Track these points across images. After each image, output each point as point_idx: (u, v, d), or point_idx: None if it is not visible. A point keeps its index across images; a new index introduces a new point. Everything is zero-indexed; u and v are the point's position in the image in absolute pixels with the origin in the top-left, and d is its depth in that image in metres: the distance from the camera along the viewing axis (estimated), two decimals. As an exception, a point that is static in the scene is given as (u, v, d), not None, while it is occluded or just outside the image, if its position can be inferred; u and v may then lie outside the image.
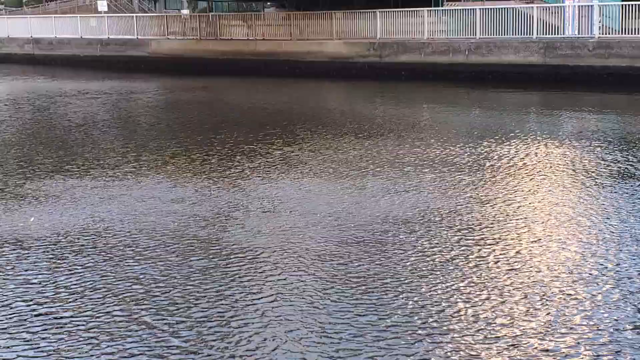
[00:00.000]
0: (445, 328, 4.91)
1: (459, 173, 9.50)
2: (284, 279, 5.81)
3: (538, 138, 12.15)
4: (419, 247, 6.55)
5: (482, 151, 10.98)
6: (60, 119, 15.64)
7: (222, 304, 5.36)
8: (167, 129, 14.24)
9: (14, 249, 6.65)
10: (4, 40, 35.34)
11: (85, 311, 5.27)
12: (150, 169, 10.12)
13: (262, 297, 5.45)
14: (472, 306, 5.26)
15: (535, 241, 6.71)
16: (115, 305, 5.36)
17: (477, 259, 6.24)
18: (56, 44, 32.95)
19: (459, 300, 5.37)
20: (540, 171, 9.58)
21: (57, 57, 32.34)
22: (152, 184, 9.18)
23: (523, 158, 10.45)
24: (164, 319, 5.11)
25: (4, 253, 6.56)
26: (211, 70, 26.44)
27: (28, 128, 14.57)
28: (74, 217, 7.63)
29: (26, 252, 6.58)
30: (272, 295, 5.49)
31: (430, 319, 5.05)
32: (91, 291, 5.63)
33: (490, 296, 5.43)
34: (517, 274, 5.87)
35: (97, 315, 5.18)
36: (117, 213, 7.77)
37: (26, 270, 6.12)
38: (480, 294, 5.48)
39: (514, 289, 5.56)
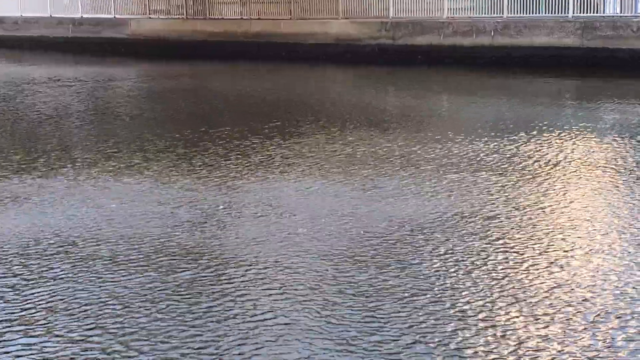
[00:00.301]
0: (471, 351, 4.88)
1: (485, 172, 9.48)
2: (282, 297, 5.79)
3: (575, 132, 12.12)
4: (441, 258, 6.52)
5: (511, 147, 10.95)
6: (28, 110, 15.64)
7: (210, 322, 5.34)
8: (149, 121, 14.24)
9: (-26, 260, 6.65)
10: (-38, 19, 35.45)
11: (55, 332, 5.26)
12: (130, 167, 10.11)
13: (255, 319, 5.42)
14: (502, 325, 5.24)
15: (574, 250, 6.68)
16: (92, 324, 5.34)
17: (509, 272, 6.22)
18: (22, 23, 32.99)
19: (488, 323, 5.33)
20: (578, 171, 9.54)
21: (23, 39, 32.37)
22: (133, 183, 9.17)
23: (558, 155, 10.42)
24: (143, 340, 5.10)
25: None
26: (199, 54, 26.45)
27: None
28: (44, 222, 7.62)
29: (-12, 263, 6.58)
30: (267, 318, 5.44)
31: (459, 341, 5.02)
32: (64, 310, 5.61)
33: (524, 314, 5.41)
34: (557, 290, 5.83)
35: (70, 337, 5.17)
36: (93, 218, 7.76)
37: (-12, 284, 6.12)
38: (513, 312, 5.45)
39: (551, 307, 5.53)
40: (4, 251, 6.85)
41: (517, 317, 5.38)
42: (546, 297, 5.71)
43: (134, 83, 20.63)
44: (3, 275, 6.30)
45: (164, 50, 27.65)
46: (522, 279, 6.07)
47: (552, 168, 9.71)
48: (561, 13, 21.37)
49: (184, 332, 5.19)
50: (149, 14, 29.66)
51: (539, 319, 5.34)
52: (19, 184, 9.23)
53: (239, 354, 4.89)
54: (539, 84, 18.96)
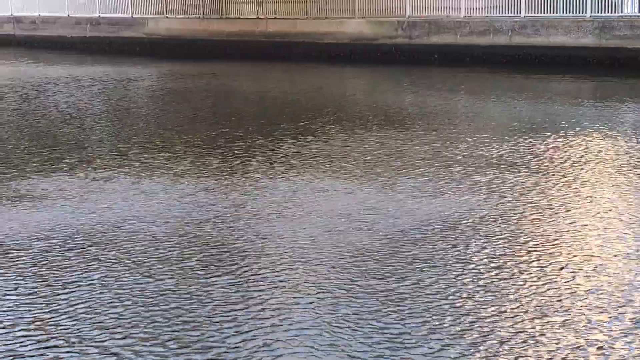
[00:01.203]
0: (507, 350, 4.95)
1: (507, 172, 9.51)
2: (299, 298, 5.86)
3: (594, 133, 12.14)
4: (466, 261, 6.58)
5: (533, 146, 10.98)
6: (49, 110, 15.79)
7: (226, 327, 5.42)
8: (169, 121, 14.35)
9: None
10: (-19, 19, 35.72)
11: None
12: (153, 166, 10.22)
13: (269, 323, 5.48)
14: (539, 337, 5.29)
15: (608, 252, 6.73)
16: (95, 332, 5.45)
17: (540, 278, 6.27)
18: (40, 23, 33.22)
19: (523, 333, 5.36)
20: (603, 171, 9.56)
21: (41, 39, 32.62)
22: (155, 182, 9.28)
23: (580, 155, 10.43)
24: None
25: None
26: (216, 54, 26.58)
27: (13, 121, 14.73)
28: (72, 220, 7.74)
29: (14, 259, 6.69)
30: (282, 323, 5.51)
31: (496, 350, 5.08)
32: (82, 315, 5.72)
33: (564, 325, 5.45)
34: (596, 299, 5.87)
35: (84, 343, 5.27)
36: (119, 216, 7.86)
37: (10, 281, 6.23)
38: (549, 327, 5.50)
39: (588, 310, 5.57)
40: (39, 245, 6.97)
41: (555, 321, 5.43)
42: (583, 300, 5.75)
43: (152, 83, 20.75)
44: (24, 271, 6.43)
45: (180, 50, 27.80)
46: (557, 281, 6.11)
47: (575, 168, 9.73)
48: (579, 13, 21.34)
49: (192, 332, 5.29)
50: (166, 14, 29.81)
51: (575, 323, 5.38)
52: (43, 182, 9.35)
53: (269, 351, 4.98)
54: (556, 84, 18.95)
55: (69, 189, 9.13)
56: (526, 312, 5.51)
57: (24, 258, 6.79)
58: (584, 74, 19.64)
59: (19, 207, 8.35)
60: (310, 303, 5.70)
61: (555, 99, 16.18)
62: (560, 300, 5.70)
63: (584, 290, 5.88)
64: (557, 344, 5.03)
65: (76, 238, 7.29)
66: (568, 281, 6.08)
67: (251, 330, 5.29)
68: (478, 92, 17.88)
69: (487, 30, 22.53)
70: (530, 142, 11.41)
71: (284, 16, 26.96)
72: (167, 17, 29.74)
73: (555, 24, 21.54)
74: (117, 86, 19.83)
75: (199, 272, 6.38)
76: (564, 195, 8.53)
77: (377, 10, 25.12)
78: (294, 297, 5.81)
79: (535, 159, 10.28)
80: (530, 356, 4.88)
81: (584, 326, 5.28)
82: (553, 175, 9.43)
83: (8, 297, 5.96)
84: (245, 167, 10.14)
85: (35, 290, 6.08)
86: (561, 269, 6.33)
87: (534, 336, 5.14)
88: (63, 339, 5.21)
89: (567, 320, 5.38)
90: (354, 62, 23.89)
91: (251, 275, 6.30)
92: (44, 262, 6.67)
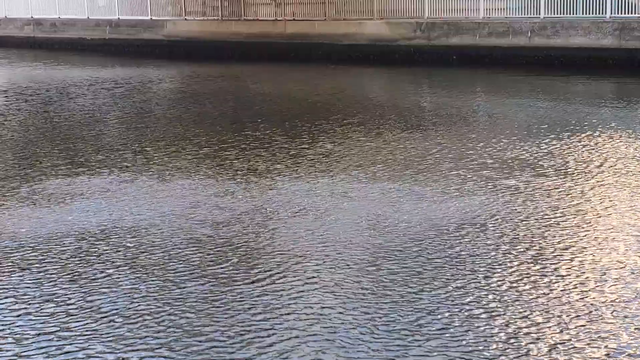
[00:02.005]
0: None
1: (528, 174, 9.56)
2: (334, 296, 5.94)
3: (615, 134, 12.15)
4: (494, 262, 6.64)
5: (554, 148, 11.02)
6: (72, 113, 15.96)
7: (246, 337, 5.51)
8: (190, 123, 14.47)
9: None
10: (1, 21, 36.06)
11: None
12: (176, 167, 10.34)
13: (297, 325, 5.58)
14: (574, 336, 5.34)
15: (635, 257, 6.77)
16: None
17: (578, 279, 6.33)
18: (60, 25, 33.54)
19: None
20: (629, 173, 9.60)
21: (61, 41, 32.94)
22: (175, 185, 9.40)
23: (603, 157, 10.45)
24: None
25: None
26: (234, 55, 26.75)
27: (36, 123, 14.90)
28: (89, 221, 7.87)
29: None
30: (308, 327, 5.60)
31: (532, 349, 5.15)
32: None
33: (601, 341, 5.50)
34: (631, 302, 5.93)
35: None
36: (143, 215, 7.98)
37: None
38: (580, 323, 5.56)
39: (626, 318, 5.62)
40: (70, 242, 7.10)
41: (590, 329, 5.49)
42: (616, 306, 5.81)
43: (173, 84, 20.91)
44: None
45: (199, 52, 27.98)
46: (594, 287, 6.16)
47: (598, 170, 9.75)
48: (598, 13, 21.31)
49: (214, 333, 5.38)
50: (185, 16, 30.00)
51: (612, 333, 5.43)
52: (66, 183, 9.48)
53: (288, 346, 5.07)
54: (576, 85, 18.95)
55: (92, 190, 9.26)
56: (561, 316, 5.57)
57: (48, 258, 6.92)
58: (603, 75, 19.62)
59: (42, 207, 8.49)
60: (340, 305, 5.78)
61: (576, 100, 16.19)
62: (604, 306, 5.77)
63: (620, 296, 5.94)
64: (598, 348, 5.09)
65: (91, 239, 7.41)
66: (605, 288, 6.14)
67: (273, 335, 5.37)
68: (498, 93, 17.91)
69: (507, 32, 22.54)
70: (553, 143, 11.43)
71: (302, 17, 27.09)
72: (185, 19, 29.93)
73: (575, 25, 21.52)
74: (138, 88, 20.01)
75: (222, 275, 6.47)
76: (589, 197, 8.57)
77: (395, 11, 25.19)
78: (320, 300, 5.89)
79: (559, 161, 10.31)
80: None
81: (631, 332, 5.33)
82: (579, 177, 9.46)
83: (32, 296, 6.09)
84: (267, 166, 10.24)
85: (56, 291, 6.20)
86: (592, 269, 6.39)
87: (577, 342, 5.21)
88: (79, 340, 5.32)
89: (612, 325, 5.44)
90: (373, 64, 23.96)
91: (275, 278, 6.39)
92: (59, 263, 6.79)
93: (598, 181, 9.25)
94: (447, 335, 5.26)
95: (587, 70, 20.09)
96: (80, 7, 32.78)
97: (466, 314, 5.57)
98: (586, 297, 5.84)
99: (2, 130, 13.87)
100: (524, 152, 10.91)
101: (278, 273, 6.45)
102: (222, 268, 6.59)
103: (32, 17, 34.59)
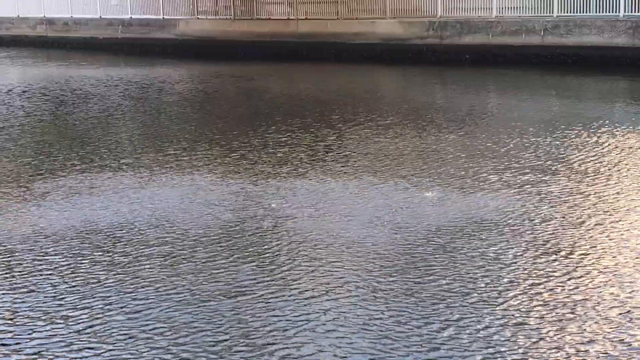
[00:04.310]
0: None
1: (542, 173, 9.62)
2: (340, 299, 6.04)
3: (629, 133, 12.19)
4: (506, 261, 6.73)
5: (569, 146, 11.08)
6: (85, 112, 16.12)
7: (259, 342, 5.61)
8: (204, 123, 14.61)
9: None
10: (14, 20, 36.28)
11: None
12: (187, 167, 10.47)
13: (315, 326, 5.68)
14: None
15: None
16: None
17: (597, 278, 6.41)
18: (72, 25, 33.72)
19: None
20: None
21: (73, 40, 33.11)
22: (189, 184, 9.52)
23: (620, 156, 10.50)
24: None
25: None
26: (247, 55, 26.84)
27: (50, 122, 15.06)
28: (102, 218, 8.00)
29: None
30: (322, 322, 5.70)
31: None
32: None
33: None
34: None
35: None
36: (162, 211, 8.10)
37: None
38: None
39: None
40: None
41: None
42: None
43: (185, 84, 21.04)
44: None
45: (212, 51, 28.06)
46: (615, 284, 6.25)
47: (614, 169, 9.82)
48: (612, 12, 21.29)
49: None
50: (197, 15, 30.12)
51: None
52: (77, 181, 9.62)
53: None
54: (589, 84, 18.97)
55: (103, 188, 9.41)
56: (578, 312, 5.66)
57: (62, 252, 7.06)
58: (617, 74, 19.61)
59: (52, 204, 8.64)
60: (356, 302, 5.89)
61: (589, 99, 16.22)
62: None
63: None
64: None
65: (100, 236, 7.54)
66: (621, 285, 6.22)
67: (290, 329, 5.48)
68: (512, 92, 17.96)
69: (519, 30, 22.55)
70: (568, 141, 11.50)
71: (315, 17, 27.14)
72: (198, 18, 30.05)
73: (588, 24, 21.52)
74: (151, 87, 20.15)
75: (236, 273, 6.57)
76: (605, 197, 8.64)
77: (408, 10, 25.23)
78: (334, 297, 6.00)
79: (573, 160, 10.38)
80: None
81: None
82: (593, 176, 9.52)
83: (51, 290, 6.22)
84: (281, 164, 10.35)
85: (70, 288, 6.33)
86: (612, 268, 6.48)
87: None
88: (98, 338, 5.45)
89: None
90: (386, 63, 24.01)
91: (289, 275, 6.50)
92: (66, 261, 6.93)
93: (613, 179, 9.32)
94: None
95: (600, 69, 20.09)
96: (93, 6, 32.95)
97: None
98: None
99: (20, 130, 14.04)
100: (538, 150, 10.98)
101: (289, 268, 6.55)
102: (232, 264, 6.71)
103: (44, 16, 34.78)
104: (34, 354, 5.18)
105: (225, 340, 5.31)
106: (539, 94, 17.34)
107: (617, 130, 12.38)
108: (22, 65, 27.56)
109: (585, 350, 5.02)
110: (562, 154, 10.71)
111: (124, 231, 7.72)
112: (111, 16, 32.32)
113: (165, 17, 30.75)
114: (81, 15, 33.33)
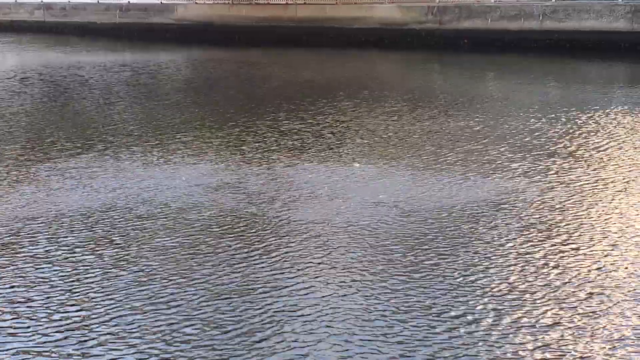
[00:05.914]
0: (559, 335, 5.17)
1: (542, 156, 9.68)
2: (343, 286, 6.10)
3: (627, 116, 12.25)
4: (515, 245, 6.79)
5: (569, 130, 11.13)
6: (82, 97, 16.12)
7: (261, 326, 5.68)
8: (203, 107, 14.62)
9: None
10: (11, 5, 36.21)
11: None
12: (189, 152, 10.51)
13: (316, 316, 5.74)
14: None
15: None
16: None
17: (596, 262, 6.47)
18: (70, 9, 33.67)
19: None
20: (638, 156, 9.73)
21: (71, 25, 33.07)
22: (190, 169, 9.56)
23: (619, 140, 10.57)
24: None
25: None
26: (245, 40, 26.85)
27: (46, 107, 15.07)
28: (98, 202, 8.05)
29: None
30: (324, 309, 5.77)
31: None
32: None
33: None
34: None
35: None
36: (164, 196, 8.15)
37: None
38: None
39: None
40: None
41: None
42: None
43: (184, 69, 21.03)
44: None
45: (210, 36, 28.07)
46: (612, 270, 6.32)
47: (613, 154, 9.88)
48: (611, -4, 21.37)
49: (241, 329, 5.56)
50: (195, 0, 30.10)
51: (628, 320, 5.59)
52: (71, 165, 9.66)
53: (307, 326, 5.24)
54: (588, 68, 19.01)
55: (102, 171, 9.42)
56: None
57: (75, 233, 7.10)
58: (615, 59, 19.67)
59: (51, 189, 8.68)
60: (361, 287, 5.95)
61: (588, 83, 16.26)
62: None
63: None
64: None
65: (103, 222, 7.59)
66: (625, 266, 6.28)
67: (284, 315, 5.55)
68: (511, 76, 17.99)
69: (518, 15, 22.59)
70: (566, 125, 11.55)
71: (313, 1, 27.15)
72: (196, 3, 30.04)
73: (587, 8, 21.57)
74: (149, 72, 20.14)
75: (237, 257, 6.62)
76: (605, 179, 8.70)
77: (406, -5, 25.27)
78: (339, 283, 6.06)
79: (574, 142, 10.44)
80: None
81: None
82: (591, 159, 9.58)
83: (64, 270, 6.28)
84: (280, 148, 10.39)
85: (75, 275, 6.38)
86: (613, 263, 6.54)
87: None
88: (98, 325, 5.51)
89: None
90: (384, 48, 24.04)
91: (289, 260, 6.55)
92: (72, 248, 6.98)
93: (613, 162, 9.38)
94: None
95: (599, 54, 20.14)
96: (91, -9, 32.96)
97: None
98: None
99: (19, 114, 14.04)
100: (536, 133, 11.03)
101: (290, 254, 6.61)
102: (233, 249, 6.77)
103: (42, 1, 34.71)
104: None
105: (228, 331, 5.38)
106: (538, 78, 17.38)
107: (616, 114, 12.42)
108: (20, 51, 27.51)
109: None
110: (561, 138, 10.76)
111: (123, 217, 7.76)
112: (109, 1, 32.29)
113: (163, 1, 30.73)
114: (79, 0, 33.27)
